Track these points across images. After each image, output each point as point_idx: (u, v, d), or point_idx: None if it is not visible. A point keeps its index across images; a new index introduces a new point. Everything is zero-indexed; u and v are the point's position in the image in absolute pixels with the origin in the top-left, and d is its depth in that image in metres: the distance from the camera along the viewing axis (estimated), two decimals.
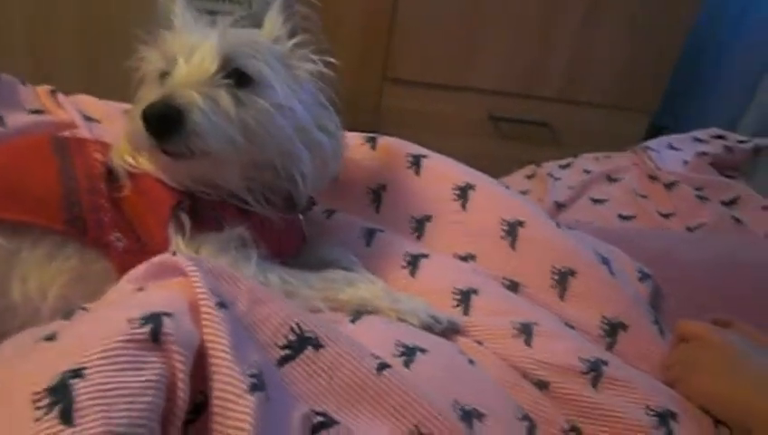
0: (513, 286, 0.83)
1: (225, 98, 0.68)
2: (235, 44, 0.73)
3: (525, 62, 2.01)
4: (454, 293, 0.79)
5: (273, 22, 0.80)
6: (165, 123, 0.65)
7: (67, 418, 0.38)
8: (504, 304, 0.78)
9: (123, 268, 0.65)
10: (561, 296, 0.81)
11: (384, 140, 0.99)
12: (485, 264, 0.86)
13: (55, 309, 0.65)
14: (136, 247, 0.70)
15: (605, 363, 0.68)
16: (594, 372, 0.67)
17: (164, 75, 0.74)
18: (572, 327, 0.77)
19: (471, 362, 0.68)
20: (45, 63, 1.83)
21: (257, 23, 0.83)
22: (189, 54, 0.71)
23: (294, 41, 0.80)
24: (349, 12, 1.90)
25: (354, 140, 0.97)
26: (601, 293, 0.80)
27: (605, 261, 0.83)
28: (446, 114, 2.08)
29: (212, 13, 0.85)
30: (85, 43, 1.85)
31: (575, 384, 0.67)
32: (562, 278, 0.82)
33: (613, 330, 0.77)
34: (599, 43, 1.97)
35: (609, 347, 0.76)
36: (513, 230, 0.86)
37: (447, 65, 2.02)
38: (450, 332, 0.74)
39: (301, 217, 0.85)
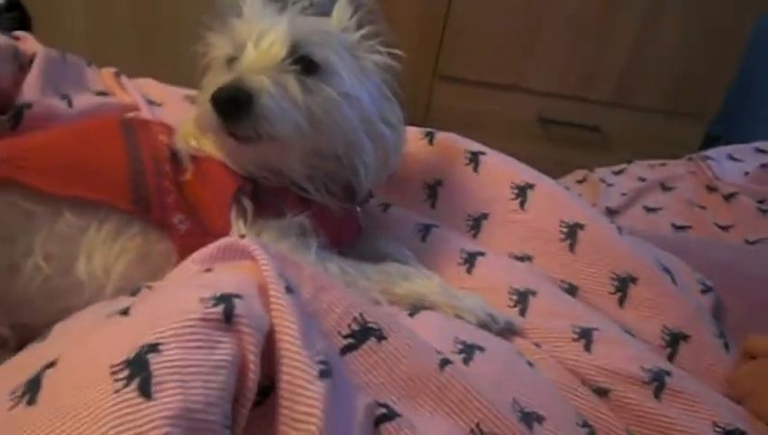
0: (572, 290, 0.81)
1: (293, 84, 0.68)
2: (304, 31, 0.73)
3: (579, 63, 1.98)
4: (510, 293, 0.78)
5: (342, 12, 0.80)
6: (234, 106, 0.65)
7: (146, 391, 0.38)
8: (563, 307, 0.76)
9: (184, 250, 0.66)
10: (621, 303, 0.79)
11: (442, 136, 0.98)
12: (543, 265, 0.85)
13: (118, 287, 0.66)
14: (197, 230, 0.70)
15: (668, 374, 0.66)
16: (657, 382, 0.65)
17: (232, 61, 0.74)
18: (632, 335, 0.75)
19: (530, 363, 0.67)
20: (101, 48, 1.87)
21: (321, 14, 0.84)
22: (258, 40, 0.72)
23: (362, 32, 0.80)
24: (403, 8, 1.89)
25: (411, 134, 0.96)
26: (663, 302, 0.78)
27: (667, 270, 0.81)
28: (494, 114, 2.06)
29: (277, 1, 0.86)
30: (140, 27, 1.88)
31: (637, 394, 0.65)
32: (622, 285, 0.80)
33: (674, 341, 0.75)
34: (657, 46, 1.93)
35: (670, 358, 0.74)
36: (572, 233, 0.85)
37: (499, 64, 2.00)
38: (507, 332, 0.73)
39: (358, 209, 0.85)
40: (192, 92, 1.05)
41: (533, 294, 0.77)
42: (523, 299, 0.77)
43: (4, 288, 0.61)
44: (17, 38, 0.90)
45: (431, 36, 1.95)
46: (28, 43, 0.91)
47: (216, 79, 0.72)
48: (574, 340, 0.71)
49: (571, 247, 0.84)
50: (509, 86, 2.03)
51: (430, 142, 0.98)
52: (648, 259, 0.82)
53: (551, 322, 0.74)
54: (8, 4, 1.89)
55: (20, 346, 0.55)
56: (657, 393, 0.65)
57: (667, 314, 0.76)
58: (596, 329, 0.72)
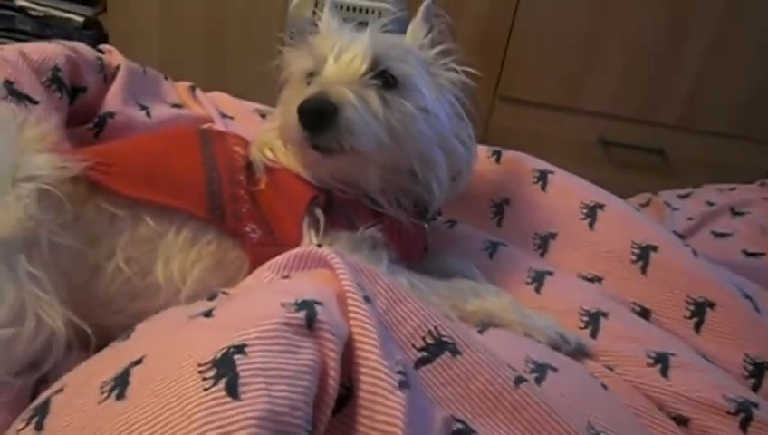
0: (644, 313, 0.79)
1: (374, 98, 0.69)
2: (383, 47, 0.73)
3: (642, 85, 1.93)
4: (581, 313, 0.76)
5: (417, 30, 0.81)
6: (320, 118, 0.66)
7: (233, 391, 0.38)
8: (636, 330, 0.74)
9: (256, 259, 0.67)
10: (698, 329, 0.76)
11: (509, 154, 0.98)
12: (613, 287, 0.83)
13: (194, 292, 0.67)
14: (269, 240, 0.71)
15: (755, 406, 0.63)
16: (743, 413, 0.62)
17: (311, 75, 0.75)
18: (711, 362, 0.73)
19: (604, 386, 0.65)
20: (174, 63, 1.93)
21: (396, 32, 0.85)
22: (339, 54, 0.73)
23: (436, 50, 0.80)
24: (466, 28, 1.89)
25: (479, 152, 0.95)
26: (744, 329, 0.75)
27: (747, 296, 0.78)
28: (554, 136, 2.03)
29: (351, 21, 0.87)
30: (211, 44, 1.94)
31: (720, 424, 0.62)
32: (699, 310, 0.77)
33: (759, 371, 0.71)
34: (725, 68, 1.87)
35: (754, 389, 0.70)
36: (644, 254, 0.83)
37: (560, 85, 1.97)
38: (578, 353, 0.71)
39: (425, 225, 0.85)
40: (261, 107, 1.08)
41: (605, 315, 0.75)
42: (593, 320, 0.75)
43: (88, 289, 0.62)
44: (103, 51, 0.94)
45: (493, 57, 1.94)
46: (113, 55, 0.95)
47: (297, 93, 0.73)
48: (649, 365, 0.69)
49: (643, 269, 0.82)
50: (570, 107, 2.00)
51: (497, 160, 0.98)
52: (727, 284, 0.79)
53: (623, 345, 0.72)
54: (86, 22, 1.97)
55: (100, 349, 0.57)
56: (745, 426, 0.62)
57: (749, 342, 0.73)
58: (672, 354, 0.69)
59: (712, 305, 0.77)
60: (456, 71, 0.80)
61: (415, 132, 0.72)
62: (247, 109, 1.08)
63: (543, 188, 0.93)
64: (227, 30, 1.91)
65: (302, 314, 0.45)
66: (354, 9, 1.23)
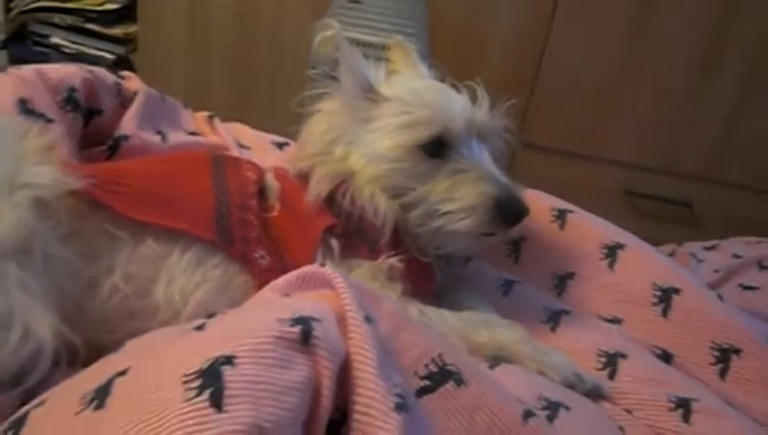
0: (666, 357, 0.75)
1: None
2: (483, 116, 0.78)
3: (668, 134, 1.91)
4: (599, 354, 0.73)
5: None
6: (520, 221, 0.73)
7: (218, 402, 0.36)
8: (657, 373, 0.71)
9: (263, 285, 0.65)
10: (723, 375, 0.72)
11: (527, 192, 0.95)
12: (633, 329, 0.79)
13: (194, 315, 0.65)
14: (278, 267, 0.69)
15: None
16: None
17: (439, 142, 0.74)
18: (737, 410, 0.68)
19: (621, 429, 0.61)
20: (199, 92, 1.97)
21: None
22: (479, 132, 0.76)
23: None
24: (490, 73, 1.90)
25: None
26: None
27: None
28: (578, 184, 1.99)
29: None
30: (235, 78, 1.97)
31: None
32: (724, 356, 0.73)
33: None
34: (753, 118, 1.84)
35: None
36: (666, 297, 0.79)
37: (583, 133, 1.96)
38: (594, 394, 0.67)
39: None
40: (279, 138, 1.08)
41: (624, 357, 0.72)
42: (612, 362, 0.71)
43: (83, 304, 0.61)
44: (122, 77, 0.95)
45: (516, 103, 1.95)
46: (132, 81, 0.96)
47: (470, 183, 0.73)
48: (671, 409, 0.65)
49: (665, 312, 0.79)
50: (593, 156, 1.98)
51: None
52: (752, 330, 0.75)
53: (643, 388, 0.68)
54: (117, 59, 2.03)
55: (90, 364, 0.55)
56: None
57: None
58: (695, 400, 0.66)
59: (738, 352, 0.73)
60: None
61: None
62: (264, 140, 1.08)
63: (562, 226, 0.90)
64: (254, 69, 1.94)
65: (297, 329, 0.43)
66: (372, 46, 1.25)
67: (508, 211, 0.72)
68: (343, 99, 0.77)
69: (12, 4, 2.09)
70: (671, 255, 1.53)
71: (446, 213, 0.72)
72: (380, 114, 0.76)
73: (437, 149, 0.73)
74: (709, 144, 1.89)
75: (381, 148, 0.74)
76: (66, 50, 2.05)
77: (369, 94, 0.76)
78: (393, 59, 0.88)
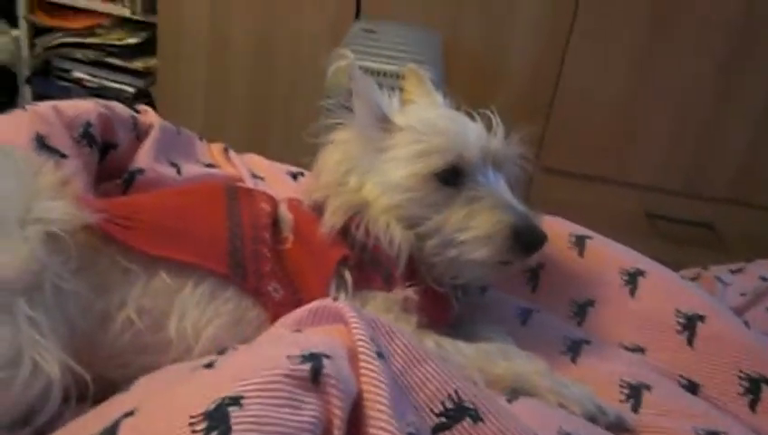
0: (692, 387, 0.73)
1: None
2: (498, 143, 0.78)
3: (689, 156, 1.88)
4: (621, 385, 0.70)
5: None
6: (535, 249, 0.72)
7: None
8: (683, 405, 0.68)
9: (276, 319, 0.64)
10: (753, 407, 0.70)
11: (545, 218, 0.94)
12: (657, 358, 0.77)
13: (207, 350, 0.64)
14: (292, 300, 0.68)
15: None
16: None
17: (454, 171, 0.73)
18: None
19: None
20: (218, 124, 2.00)
21: None
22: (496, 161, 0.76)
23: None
24: (506, 99, 1.89)
25: None
26: None
27: None
28: (598, 208, 1.97)
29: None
30: (253, 109, 1.99)
31: None
32: (754, 386, 0.71)
33: None
34: None
35: None
36: (691, 324, 0.77)
37: (602, 156, 1.94)
38: (617, 428, 0.65)
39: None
40: (293, 169, 1.08)
41: (648, 388, 0.69)
42: (635, 393, 0.69)
43: (94, 339, 0.60)
44: (139, 111, 0.96)
45: (532, 129, 1.93)
46: (148, 115, 0.97)
47: (485, 212, 0.72)
48: None
49: (690, 341, 0.76)
50: (613, 180, 1.96)
51: None
52: None
53: (669, 421, 0.66)
54: (137, 93, 2.06)
55: (99, 401, 0.54)
56: None
57: None
58: (724, 433, 0.63)
59: None
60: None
61: None
62: (279, 170, 1.08)
63: (581, 253, 0.89)
64: (272, 101, 1.96)
65: (307, 367, 0.42)
66: (387, 75, 1.25)
67: (525, 239, 0.71)
68: (357, 129, 0.77)
69: (36, 41, 2.14)
70: (695, 278, 1.50)
71: (462, 242, 0.71)
72: (394, 144, 0.75)
73: (452, 177, 0.73)
74: (732, 165, 1.87)
75: (396, 177, 0.73)
76: (88, 84, 2.09)
77: (383, 124, 0.76)
78: (408, 87, 0.87)
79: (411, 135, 0.75)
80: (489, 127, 0.79)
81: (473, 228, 0.71)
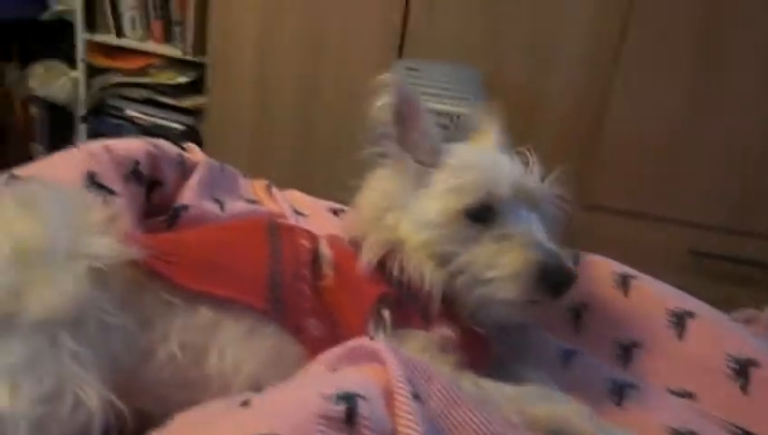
0: None
1: None
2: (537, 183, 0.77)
3: (736, 192, 1.83)
4: (669, 433, 0.68)
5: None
6: (568, 289, 0.70)
7: None
8: None
9: (315, 355, 0.64)
10: None
11: (588, 257, 0.93)
12: (707, 404, 0.74)
13: (245, 387, 0.64)
14: (331, 337, 0.68)
15: None
16: None
17: (483, 212, 0.72)
18: None
19: None
20: (263, 162, 2.03)
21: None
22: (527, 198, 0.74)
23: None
24: (549, 135, 1.88)
25: None
26: None
27: None
28: (641, 245, 1.92)
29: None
30: (298, 146, 2.02)
31: None
32: None
33: None
34: None
35: None
36: (743, 370, 0.74)
37: (647, 193, 1.90)
38: None
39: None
40: (335, 205, 1.09)
41: None
42: None
43: (137, 373, 0.61)
44: (185, 149, 0.99)
45: (578, 162, 1.91)
46: (194, 153, 0.99)
47: (514, 250, 0.70)
48: None
49: (743, 387, 0.73)
50: (657, 216, 1.91)
51: (575, 263, 0.92)
52: None
53: None
54: (186, 130, 2.12)
55: (136, 433, 0.55)
56: None
57: None
58: None
59: None
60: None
61: None
62: (321, 207, 1.09)
63: (625, 293, 0.87)
64: (317, 140, 1.99)
65: (341, 407, 0.42)
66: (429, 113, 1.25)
67: (553, 278, 0.69)
68: (399, 165, 0.77)
69: (92, 81, 2.23)
70: (750, 320, 1.45)
71: (489, 280, 0.70)
72: (432, 181, 0.75)
73: (483, 214, 0.72)
74: None
75: (429, 214, 0.73)
76: (140, 122, 2.17)
77: (427, 159, 0.76)
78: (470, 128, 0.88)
79: (446, 171, 0.75)
80: (527, 165, 0.79)
81: (500, 266, 0.70)
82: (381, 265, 0.74)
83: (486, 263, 0.70)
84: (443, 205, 0.73)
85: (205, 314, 0.66)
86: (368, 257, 0.73)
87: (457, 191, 0.73)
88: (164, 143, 0.93)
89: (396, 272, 0.72)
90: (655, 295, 0.85)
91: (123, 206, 0.78)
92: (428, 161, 0.76)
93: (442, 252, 0.72)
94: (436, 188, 0.74)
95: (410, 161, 0.76)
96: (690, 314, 0.81)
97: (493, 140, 0.85)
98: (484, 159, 0.77)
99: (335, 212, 1.07)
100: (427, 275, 0.71)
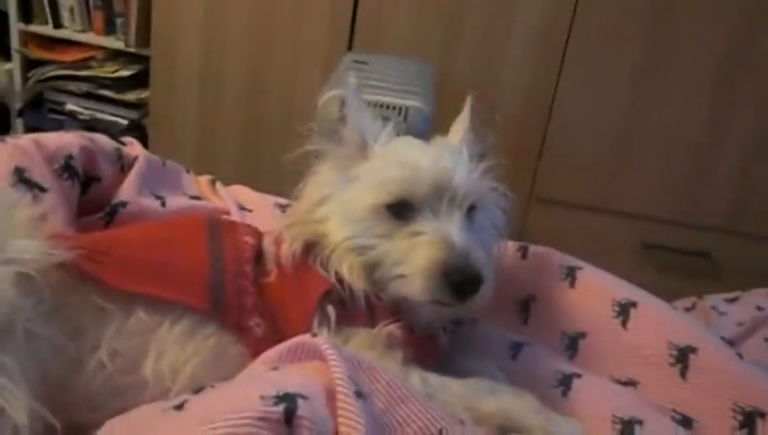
0: (686, 422, 0.71)
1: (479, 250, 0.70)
2: (474, 179, 0.74)
3: (685, 185, 1.87)
4: (614, 421, 0.69)
5: (466, 143, 0.80)
6: (471, 292, 0.66)
7: None
8: None
9: (258, 355, 0.63)
10: None
11: (536, 249, 0.93)
12: (650, 392, 0.76)
13: (185, 390, 0.62)
14: (274, 335, 0.67)
15: None
16: None
17: (402, 205, 0.71)
18: None
19: None
20: (210, 156, 1.99)
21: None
22: (449, 195, 0.71)
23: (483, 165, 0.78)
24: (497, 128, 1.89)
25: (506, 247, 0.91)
26: None
27: None
28: (593, 238, 1.96)
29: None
30: (245, 140, 1.99)
31: None
32: (748, 420, 0.69)
33: None
34: None
35: None
36: (683, 357, 0.76)
37: (597, 186, 1.93)
38: None
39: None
40: (282, 200, 1.07)
41: (640, 423, 0.68)
42: (628, 429, 0.67)
43: (66, 383, 0.58)
44: (124, 143, 0.95)
45: (528, 156, 1.93)
46: (133, 147, 0.96)
47: (423, 247, 0.68)
48: None
49: (683, 373, 0.75)
50: (608, 210, 1.95)
51: (524, 256, 0.93)
52: None
53: None
54: (130, 125, 2.06)
55: None
56: None
57: None
58: None
59: (763, 415, 0.68)
60: (495, 189, 0.79)
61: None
62: (267, 202, 1.07)
63: (572, 284, 0.87)
64: (265, 134, 1.95)
65: (280, 409, 0.41)
66: (379, 106, 1.24)
67: (455, 279, 0.65)
68: (334, 158, 0.76)
69: (29, 74, 2.15)
70: (691, 308, 1.48)
71: (399, 276, 0.69)
72: (361, 175, 0.74)
73: (401, 210, 0.70)
74: (727, 194, 1.86)
75: (353, 207, 0.72)
76: (81, 116, 2.09)
77: (362, 152, 0.75)
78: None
79: (373, 166, 0.74)
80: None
81: (406, 263, 0.68)
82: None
83: (397, 259, 0.69)
84: (366, 199, 0.71)
85: (140, 317, 0.63)
86: (287, 250, 0.72)
87: (379, 186, 0.71)
88: (100, 137, 0.89)
89: (319, 266, 0.71)
90: (601, 286, 0.86)
91: (54, 203, 0.75)
92: (358, 156, 0.75)
93: (361, 245, 0.71)
94: (362, 182, 0.73)
95: (340, 155, 0.75)
96: (634, 304, 0.82)
97: (453, 134, 0.84)
98: (410, 154, 0.75)
99: (282, 207, 1.05)
100: (346, 268, 0.70)
